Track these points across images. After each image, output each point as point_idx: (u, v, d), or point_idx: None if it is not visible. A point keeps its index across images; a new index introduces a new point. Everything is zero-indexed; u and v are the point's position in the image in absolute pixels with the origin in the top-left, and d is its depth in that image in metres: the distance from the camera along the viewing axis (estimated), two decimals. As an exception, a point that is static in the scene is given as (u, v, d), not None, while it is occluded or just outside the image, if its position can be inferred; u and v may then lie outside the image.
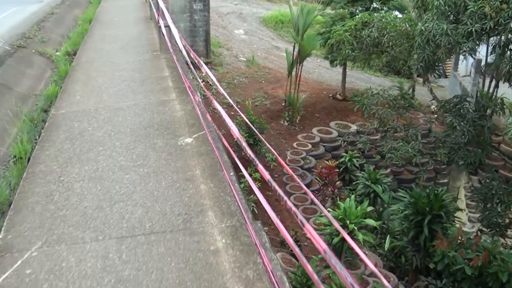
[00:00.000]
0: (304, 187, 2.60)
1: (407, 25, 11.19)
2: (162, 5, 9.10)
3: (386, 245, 9.50)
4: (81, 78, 8.35)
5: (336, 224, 2.13)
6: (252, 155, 2.96)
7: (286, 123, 15.26)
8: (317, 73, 17.91)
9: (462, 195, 14.24)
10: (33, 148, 5.79)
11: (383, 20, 11.40)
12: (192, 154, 5.27)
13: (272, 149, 3.76)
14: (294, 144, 14.40)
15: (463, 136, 9.85)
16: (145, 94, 7.30)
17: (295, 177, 2.77)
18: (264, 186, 12.56)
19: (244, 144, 3.09)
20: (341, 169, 14.03)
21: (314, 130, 15.20)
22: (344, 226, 8.96)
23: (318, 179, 12.71)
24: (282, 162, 3.20)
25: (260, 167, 2.75)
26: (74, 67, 9.13)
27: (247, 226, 3.68)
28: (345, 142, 10.98)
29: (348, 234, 8.94)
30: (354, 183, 13.59)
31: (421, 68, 9.89)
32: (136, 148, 5.47)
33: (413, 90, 16.37)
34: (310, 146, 14.36)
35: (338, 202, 9.81)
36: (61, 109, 6.90)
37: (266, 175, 2.66)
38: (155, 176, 4.83)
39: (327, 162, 12.85)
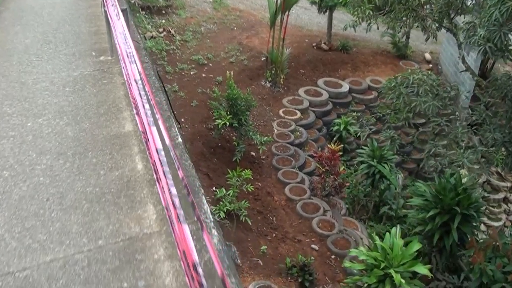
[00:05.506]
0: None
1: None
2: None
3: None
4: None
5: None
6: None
7: (268, 84, 11.26)
8: (294, 15, 13.43)
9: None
10: None
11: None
12: None
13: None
14: (280, 112, 10.64)
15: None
16: (89, 212, 2.93)
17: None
18: (255, 178, 8.90)
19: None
20: (334, 138, 10.80)
21: (301, 92, 11.35)
22: (386, 275, 5.78)
23: (319, 165, 9.19)
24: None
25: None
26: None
27: None
28: (364, 136, 7.32)
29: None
30: (354, 160, 10.28)
31: (489, 49, 6.10)
32: None
33: (408, 38, 12.49)
34: (298, 113, 10.67)
35: (373, 236, 6.46)
36: None
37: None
38: None
39: (329, 146, 9.26)
